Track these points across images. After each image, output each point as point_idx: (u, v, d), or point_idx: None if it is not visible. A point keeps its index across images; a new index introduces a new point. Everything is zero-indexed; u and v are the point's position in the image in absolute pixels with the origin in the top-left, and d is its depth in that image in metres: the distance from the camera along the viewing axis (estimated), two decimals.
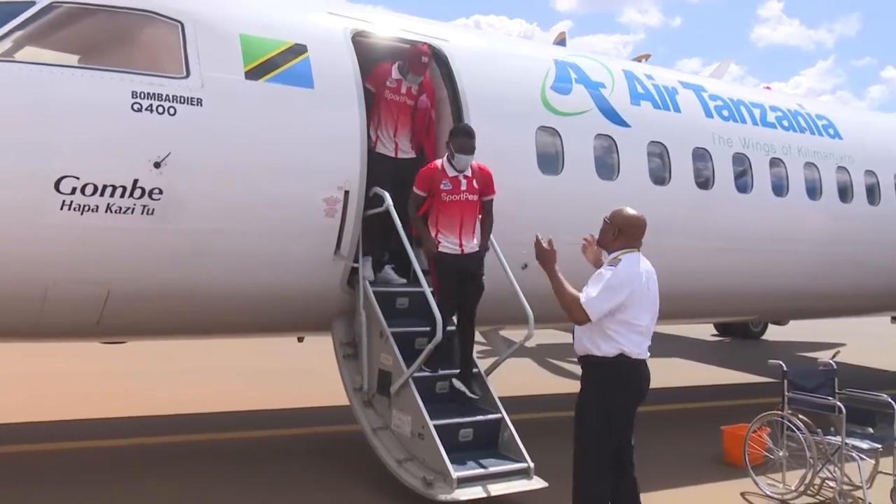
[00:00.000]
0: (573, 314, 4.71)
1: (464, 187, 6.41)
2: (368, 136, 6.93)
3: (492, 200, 6.61)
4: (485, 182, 6.55)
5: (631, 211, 5.00)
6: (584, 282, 4.82)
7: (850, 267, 10.41)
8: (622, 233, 4.91)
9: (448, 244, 6.39)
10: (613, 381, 4.74)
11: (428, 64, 7.22)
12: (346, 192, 6.48)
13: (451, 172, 6.40)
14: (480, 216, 6.61)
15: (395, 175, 7.01)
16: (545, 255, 4.92)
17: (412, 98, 7.24)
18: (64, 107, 5.48)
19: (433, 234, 6.43)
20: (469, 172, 6.47)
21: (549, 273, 4.85)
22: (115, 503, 5.88)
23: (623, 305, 4.67)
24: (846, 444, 6.34)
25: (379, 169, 6.91)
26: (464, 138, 6.44)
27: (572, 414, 4.96)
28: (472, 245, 6.48)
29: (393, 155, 7.16)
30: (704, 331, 19.25)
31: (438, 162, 6.53)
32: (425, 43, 7.30)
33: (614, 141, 8.28)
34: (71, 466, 6.67)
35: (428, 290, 6.24)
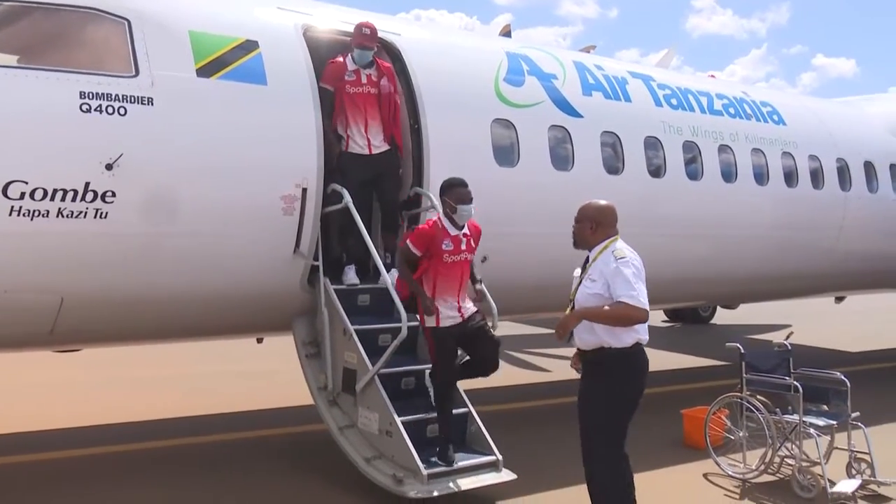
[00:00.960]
0: (634, 319, 4.58)
1: (464, 247, 6.04)
2: (339, 137, 6.81)
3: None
4: (477, 239, 6.24)
5: (600, 201, 5.03)
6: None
7: (797, 250, 10.67)
8: (600, 224, 4.89)
9: (448, 312, 5.97)
10: (631, 370, 4.73)
11: (373, 36, 6.97)
12: (304, 190, 6.39)
13: (452, 231, 6.00)
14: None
15: (371, 172, 6.91)
16: (567, 321, 4.78)
17: (374, 86, 6.98)
18: (9, 109, 5.29)
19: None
20: (466, 229, 6.12)
21: (586, 317, 4.69)
22: None
23: None
24: (803, 422, 6.51)
25: (354, 169, 6.81)
26: (461, 189, 6.04)
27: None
28: (470, 307, 6.12)
29: (367, 152, 6.94)
30: (655, 317, 19.53)
31: (436, 218, 6.12)
32: (366, 21, 7.09)
33: (568, 132, 8.33)
34: (24, 479, 6.47)
35: (391, 287, 6.20)
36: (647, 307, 4.56)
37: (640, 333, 4.71)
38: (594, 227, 4.90)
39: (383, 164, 6.92)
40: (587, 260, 4.90)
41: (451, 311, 5.98)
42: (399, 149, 7.19)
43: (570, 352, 5.11)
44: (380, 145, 6.99)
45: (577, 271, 4.98)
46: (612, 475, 4.83)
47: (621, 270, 4.60)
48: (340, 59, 6.99)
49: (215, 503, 6.00)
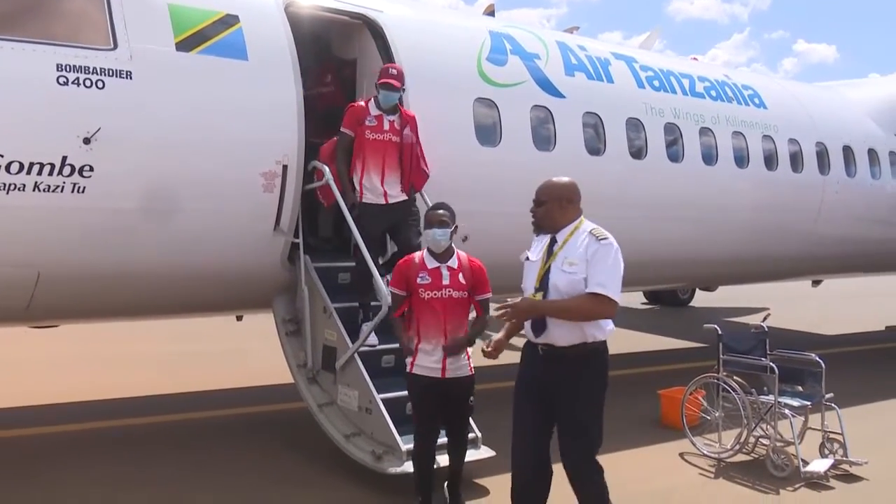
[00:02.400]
0: (604, 315, 4.21)
1: (447, 282, 5.20)
2: (353, 187, 6.53)
3: (489, 298, 5.38)
4: (476, 278, 5.35)
5: (561, 178, 4.54)
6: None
7: (776, 233, 10.75)
8: (571, 202, 4.42)
9: (425, 361, 5.17)
10: (607, 365, 4.39)
11: (400, 77, 6.60)
12: (285, 167, 6.35)
13: (431, 263, 5.25)
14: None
15: (387, 223, 6.60)
16: (524, 307, 4.32)
17: (396, 134, 6.59)
18: None
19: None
20: (455, 263, 5.30)
21: (546, 311, 4.27)
22: (52, 491, 5.70)
23: None
24: (778, 402, 6.59)
25: (370, 220, 6.43)
26: (430, 212, 5.36)
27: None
28: (459, 366, 5.19)
29: (383, 202, 6.51)
30: (634, 299, 19.68)
31: (417, 255, 5.41)
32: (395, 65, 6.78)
33: (550, 112, 8.32)
34: (8, 456, 6.43)
35: (371, 264, 6.18)
36: (618, 301, 4.17)
37: (612, 324, 4.37)
38: (563, 206, 4.39)
39: (399, 214, 6.51)
40: (553, 242, 4.37)
41: (430, 359, 5.14)
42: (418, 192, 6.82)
43: None
44: (397, 195, 6.56)
45: (531, 255, 4.47)
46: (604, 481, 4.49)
47: (604, 255, 4.18)
48: (362, 102, 6.72)
49: (190, 481, 5.98)
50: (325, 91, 7.62)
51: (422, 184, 6.80)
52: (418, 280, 5.19)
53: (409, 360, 5.23)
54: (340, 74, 7.79)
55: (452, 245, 5.34)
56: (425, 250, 5.33)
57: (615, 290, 4.14)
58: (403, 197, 6.63)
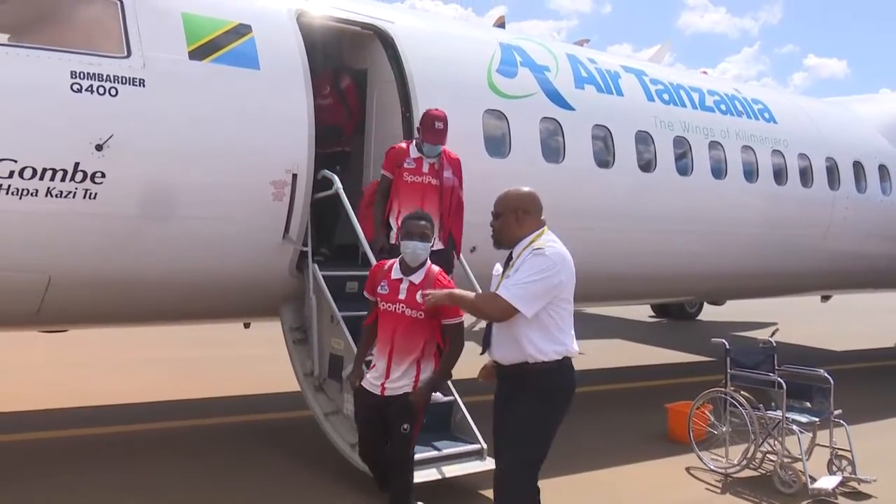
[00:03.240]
0: (491, 316, 4.06)
1: (403, 296, 4.76)
2: (389, 227, 6.31)
3: (459, 324, 4.84)
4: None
5: (521, 188, 4.34)
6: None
7: (785, 248, 10.72)
8: (527, 213, 4.19)
9: (370, 376, 4.89)
10: (559, 390, 4.10)
11: (444, 131, 6.37)
12: (295, 175, 6.38)
13: (396, 273, 4.86)
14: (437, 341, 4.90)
15: None
16: (441, 294, 4.31)
17: (436, 176, 6.37)
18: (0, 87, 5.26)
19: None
20: (418, 278, 4.83)
21: (458, 301, 4.28)
22: (61, 496, 5.71)
23: (559, 292, 4.03)
24: (786, 418, 6.56)
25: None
26: (409, 221, 4.97)
27: None
28: (400, 386, 4.78)
29: None
30: (642, 312, 19.64)
31: (390, 262, 5.05)
32: (439, 110, 6.48)
33: (560, 124, 8.34)
34: (12, 460, 6.45)
35: None
36: (515, 306, 3.90)
37: (569, 345, 4.09)
38: (519, 217, 4.17)
39: (435, 262, 5.29)
40: (510, 258, 4.18)
41: (376, 374, 4.84)
42: (457, 247, 6.52)
43: None
44: (435, 243, 5.63)
45: (497, 269, 4.28)
46: None
47: (528, 264, 3.98)
48: (403, 144, 6.60)
49: (194, 488, 5.98)
50: (323, 103, 7.42)
51: (461, 233, 6.49)
52: (379, 289, 4.89)
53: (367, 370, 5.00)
54: (340, 84, 7.71)
55: (428, 259, 4.98)
56: (399, 259, 4.95)
57: (518, 296, 3.90)
58: (440, 246, 6.07)
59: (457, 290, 4.28)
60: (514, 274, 4.02)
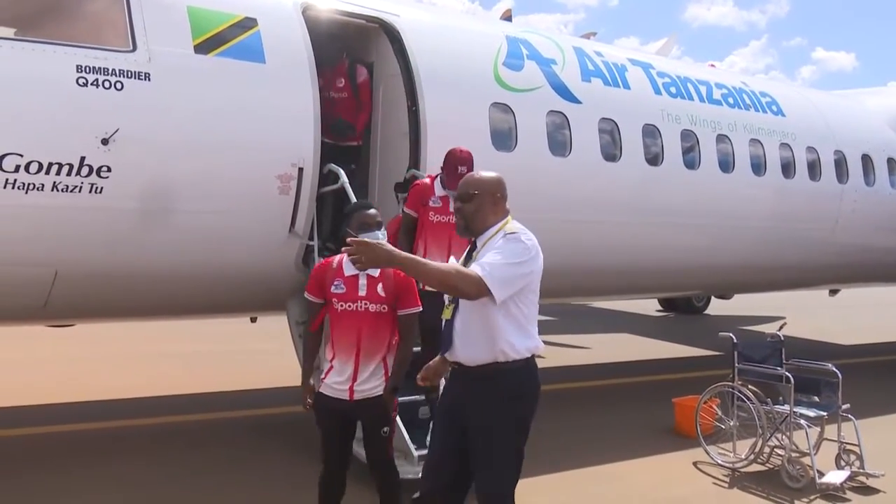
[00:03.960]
0: (460, 290, 3.58)
1: (363, 293, 4.41)
2: None
3: (414, 315, 4.48)
4: (400, 288, 4.43)
5: (491, 172, 4.03)
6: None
7: (793, 241, 10.67)
8: (503, 198, 3.90)
9: (335, 379, 4.42)
10: (531, 392, 3.82)
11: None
12: (301, 169, 6.36)
13: (348, 270, 4.43)
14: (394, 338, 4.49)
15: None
16: (379, 252, 3.45)
17: None
18: (5, 81, 5.25)
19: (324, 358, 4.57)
20: (376, 271, 4.40)
21: (405, 267, 3.61)
22: (69, 489, 5.72)
23: (530, 284, 3.74)
24: (794, 412, 6.54)
25: (427, 308, 4.74)
26: (362, 212, 4.58)
27: None
28: (370, 388, 4.39)
29: None
30: (649, 306, 19.62)
31: (336, 258, 4.60)
32: (464, 151, 6.26)
33: (566, 117, 8.30)
34: (19, 454, 6.48)
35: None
36: (491, 289, 3.52)
37: (538, 341, 3.83)
38: (498, 200, 3.86)
39: None
40: (473, 247, 3.86)
41: (340, 378, 4.41)
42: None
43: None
44: None
45: (452, 262, 3.97)
46: None
47: (502, 245, 3.66)
48: (427, 180, 6.42)
49: (199, 481, 6.00)
50: (337, 97, 7.46)
51: None
52: (332, 288, 4.44)
53: (320, 376, 4.53)
54: (357, 78, 7.67)
55: None
56: (345, 254, 4.20)
57: (492, 276, 3.52)
58: None
59: (403, 253, 3.57)
60: (485, 256, 3.65)
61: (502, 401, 3.73)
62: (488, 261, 3.59)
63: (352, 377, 4.37)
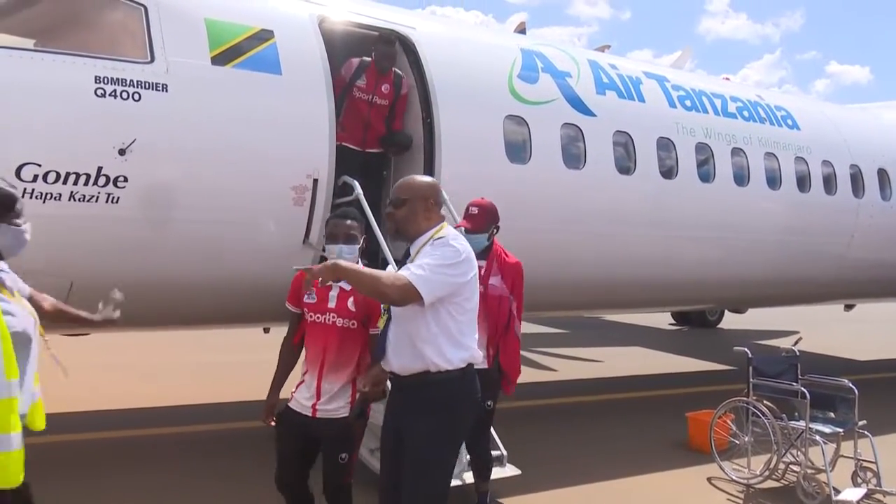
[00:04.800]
0: (388, 296, 3.51)
1: (333, 304, 4.22)
2: None
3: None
4: (371, 305, 4.20)
5: (425, 177, 4.10)
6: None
7: (809, 255, 10.61)
8: (437, 204, 3.85)
9: (301, 395, 4.27)
10: (464, 403, 3.72)
11: (482, 217, 5.68)
12: (315, 181, 6.38)
13: (309, 298, 4.31)
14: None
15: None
16: (327, 267, 3.47)
17: (481, 282, 5.07)
18: (24, 91, 5.29)
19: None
20: (348, 284, 4.03)
21: (347, 277, 3.52)
22: (81, 499, 5.74)
23: (461, 290, 3.64)
24: (809, 428, 6.48)
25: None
26: (334, 221, 4.44)
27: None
28: (335, 408, 4.20)
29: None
30: (662, 320, 19.53)
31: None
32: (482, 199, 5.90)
33: (581, 130, 8.30)
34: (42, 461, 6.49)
35: None
36: (419, 290, 3.45)
37: (473, 350, 3.74)
38: (430, 206, 3.80)
39: (485, 379, 4.41)
40: (407, 254, 3.81)
41: (306, 394, 4.23)
42: (508, 379, 5.59)
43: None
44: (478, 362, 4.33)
45: (389, 270, 3.98)
46: None
47: (432, 250, 3.61)
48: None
49: (209, 490, 6.00)
50: (381, 103, 7.22)
51: (514, 362, 5.54)
52: (305, 297, 4.33)
53: (292, 389, 4.36)
54: (401, 90, 7.37)
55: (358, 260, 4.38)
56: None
57: (420, 278, 3.47)
58: (484, 366, 5.00)
59: (347, 264, 3.54)
60: (416, 260, 3.62)
61: (433, 411, 3.65)
62: (416, 264, 3.56)
63: (315, 395, 4.18)
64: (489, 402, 5.36)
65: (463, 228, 5.46)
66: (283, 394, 4.49)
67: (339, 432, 4.20)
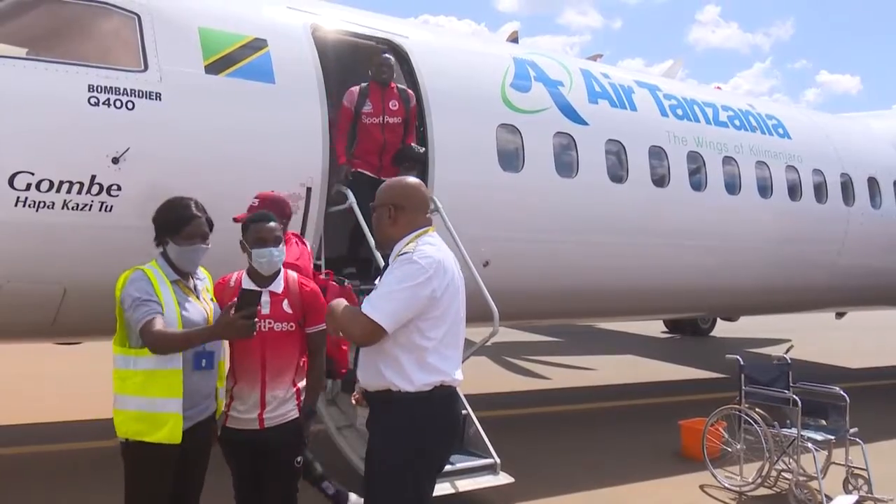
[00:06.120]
0: (351, 334, 3.43)
1: (267, 311, 3.98)
2: None
3: (324, 332, 4.05)
4: (307, 303, 4.09)
5: (405, 179, 3.78)
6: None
7: (800, 263, 10.66)
8: (402, 209, 3.53)
9: (238, 409, 4.00)
10: (429, 424, 3.40)
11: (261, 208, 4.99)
12: (309, 189, 6.40)
13: (248, 287, 3.97)
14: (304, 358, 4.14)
15: None
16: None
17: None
18: (17, 100, 5.31)
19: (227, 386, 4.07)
20: (279, 287, 4.08)
21: (332, 318, 3.52)
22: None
23: (431, 307, 3.36)
24: (801, 436, 6.49)
25: None
26: (258, 224, 4.15)
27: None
28: (285, 412, 4.01)
29: None
30: (654, 328, 19.57)
31: (234, 275, 4.22)
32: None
33: (573, 139, 8.34)
34: (30, 470, 6.47)
35: None
36: (379, 323, 3.25)
37: (446, 373, 3.42)
38: (394, 213, 3.53)
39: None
40: (387, 264, 3.58)
41: (246, 407, 3.98)
42: None
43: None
44: None
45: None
46: None
47: (390, 271, 3.40)
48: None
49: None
50: (392, 121, 7.05)
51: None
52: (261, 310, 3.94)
53: (223, 409, 4.05)
54: (409, 103, 7.25)
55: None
56: (244, 270, 4.16)
57: (376, 309, 3.27)
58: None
59: (332, 304, 3.52)
60: (378, 284, 3.42)
61: (393, 429, 3.40)
62: (375, 293, 3.36)
63: (259, 405, 3.96)
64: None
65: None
66: None
67: (292, 434, 4.03)
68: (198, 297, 3.91)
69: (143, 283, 3.72)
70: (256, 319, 3.53)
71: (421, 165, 7.16)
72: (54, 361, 10.34)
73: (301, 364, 4.11)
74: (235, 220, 4.54)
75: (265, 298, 3.96)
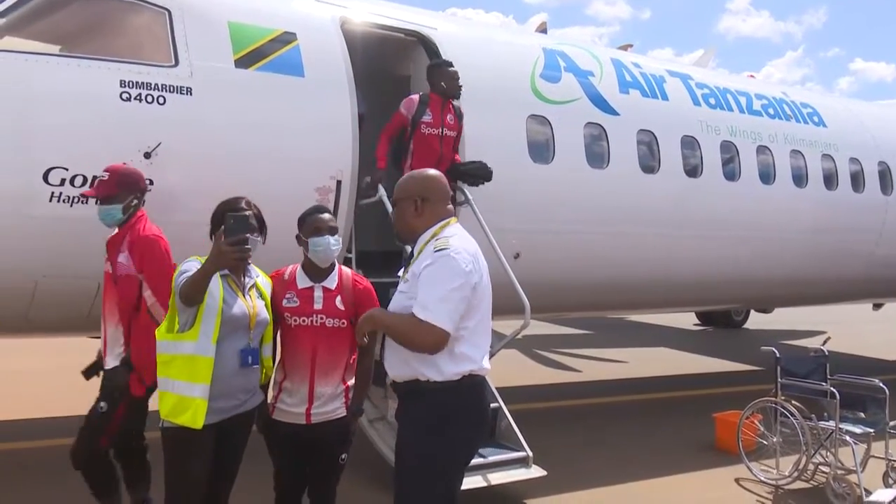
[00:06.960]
0: (417, 343, 3.32)
1: (319, 306, 4.06)
2: None
3: (373, 332, 3.86)
4: (360, 300, 4.14)
5: (425, 171, 3.81)
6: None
7: (836, 254, 10.49)
8: (426, 200, 3.55)
9: (287, 403, 4.06)
10: (455, 416, 3.39)
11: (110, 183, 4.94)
12: (339, 182, 6.40)
13: (303, 283, 4.14)
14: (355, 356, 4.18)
15: None
16: (365, 318, 3.55)
17: None
18: (51, 96, 5.36)
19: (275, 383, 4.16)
20: (332, 283, 4.16)
21: (382, 325, 3.49)
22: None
23: (473, 296, 3.39)
24: (839, 428, 6.39)
25: None
26: (313, 216, 4.29)
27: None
28: (332, 409, 4.06)
29: None
30: (687, 320, 19.38)
31: (288, 269, 4.30)
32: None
33: (604, 129, 8.26)
34: (41, 466, 6.54)
35: None
36: (444, 329, 3.24)
37: (476, 362, 3.42)
38: (419, 205, 3.54)
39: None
40: (411, 255, 3.61)
41: (294, 401, 4.04)
42: None
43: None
44: None
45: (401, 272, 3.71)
46: None
47: (432, 270, 3.33)
48: None
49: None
50: (451, 134, 6.92)
51: (140, 355, 4.68)
52: (284, 302, 4.09)
53: (270, 401, 4.13)
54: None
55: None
56: (299, 264, 4.24)
57: (438, 314, 3.25)
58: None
59: (379, 313, 3.53)
60: (421, 285, 3.33)
61: (421, 420, 3.40)
62: (421, 298, 3.29)
63: (307, 399, 3.99)
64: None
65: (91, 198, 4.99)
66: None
67: (339, 432, 4.08)
68: (244, 295, 3.94)
69: (195, 264, 3.85)
70: (247, 246, 3.71)
71: (486, 181, 6.92)
72: (24, 357, 10.44)
73: (351, 362, 4.13)
74: (83, 195, 4.98)
75: (318, 294, 4.06)
